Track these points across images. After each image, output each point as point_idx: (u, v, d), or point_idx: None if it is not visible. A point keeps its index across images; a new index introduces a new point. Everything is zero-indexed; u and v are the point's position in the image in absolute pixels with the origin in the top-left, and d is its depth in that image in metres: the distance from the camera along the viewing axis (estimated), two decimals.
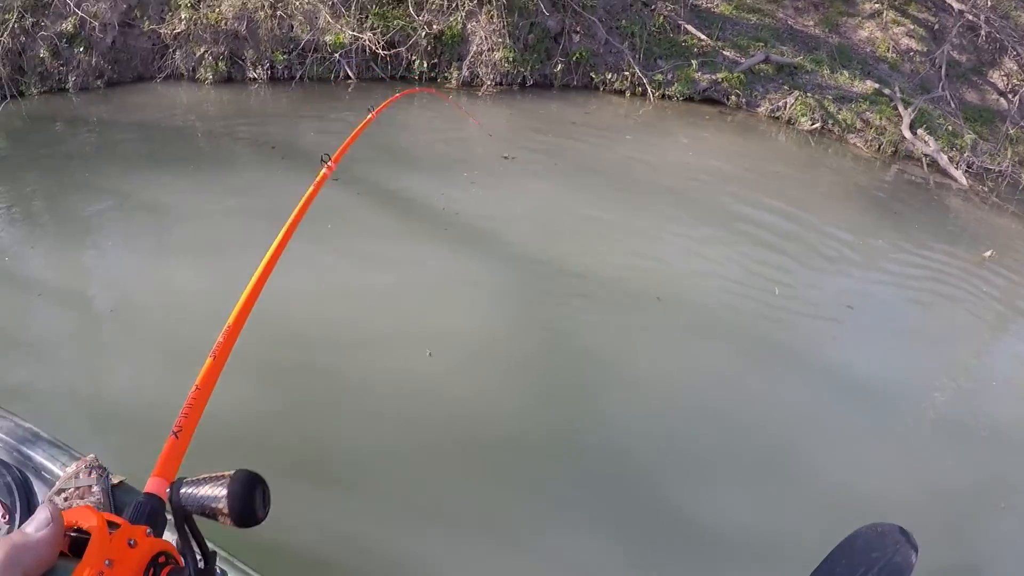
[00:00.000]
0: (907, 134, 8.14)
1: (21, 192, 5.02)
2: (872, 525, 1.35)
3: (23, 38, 6.84)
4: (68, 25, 7.03)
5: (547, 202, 5.55)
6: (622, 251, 4.86)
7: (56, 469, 2.10)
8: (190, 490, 0.93)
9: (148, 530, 0.77)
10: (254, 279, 1.24)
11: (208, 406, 0.92)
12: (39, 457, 2.17)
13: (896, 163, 8.31)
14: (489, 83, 8.06)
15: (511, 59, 8.05)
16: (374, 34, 7.73)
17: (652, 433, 3.18)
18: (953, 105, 8.55)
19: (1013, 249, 6.34)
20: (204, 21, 7.37)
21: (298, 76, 7.67)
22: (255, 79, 7.58)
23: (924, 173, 8.03)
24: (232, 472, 0.96)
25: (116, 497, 1.99)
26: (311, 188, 1.64)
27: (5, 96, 6.65)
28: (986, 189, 7.89)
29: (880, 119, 8.54)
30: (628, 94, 8.51)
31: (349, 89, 7.76)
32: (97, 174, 5.28)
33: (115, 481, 2.05)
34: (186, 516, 0.96)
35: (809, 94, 8.70)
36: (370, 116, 2.31)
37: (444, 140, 6.81)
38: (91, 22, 7.06)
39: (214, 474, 1.01)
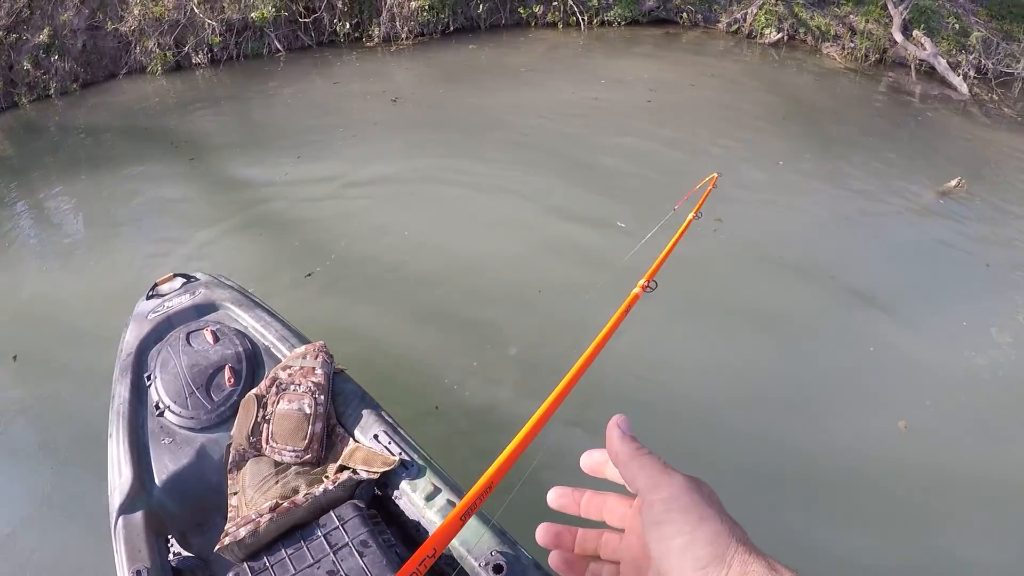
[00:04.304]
0: (898, 36, 6.86)
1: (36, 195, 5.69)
2: None
3: (10, 53, 8.02)
4: (43, 36, 8.08)
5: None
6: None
7: (285, 349, 2.40)
8: None
9: None
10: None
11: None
12: (271, 336, 2.47)
13: (882, 74, 7.04)
14: (404, 35, 7.90)
15: (428, 6, 7.78)
16: (293, 1, 7.88)
17: None
18: None
19: (997, 175, 5.19)
20: (150, 15, 8.04)
21: (234, 56, 8.15)
22: (199, 64, 8.19)
23: (913, 83, 6.74)
24: None
25: (335, 384, 2.26)
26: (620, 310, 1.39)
27: (2, 107, 7.94)
28: (995, 98, 6.45)
29: (866, 23, 7.19)
30: (561, 26, 7.87)
31: (280, 63, 8.10)
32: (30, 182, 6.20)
33: (338, 368, 2.31)
34: None
35: (779, 1, 7.47)
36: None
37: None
38: (62, 29, 8.05)
39: None
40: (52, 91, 8.04)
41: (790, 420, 2.88)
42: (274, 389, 2.16)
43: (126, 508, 1.97)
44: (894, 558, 2.36)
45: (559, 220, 4.29)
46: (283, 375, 2.20)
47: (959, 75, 6.51)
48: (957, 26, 6.99)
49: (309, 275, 3.93)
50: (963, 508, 2.52)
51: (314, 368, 2.21)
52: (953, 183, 4.87)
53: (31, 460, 3.03)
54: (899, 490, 2.59)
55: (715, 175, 2.94)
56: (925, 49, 6.72)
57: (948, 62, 6.62)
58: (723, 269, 3.86)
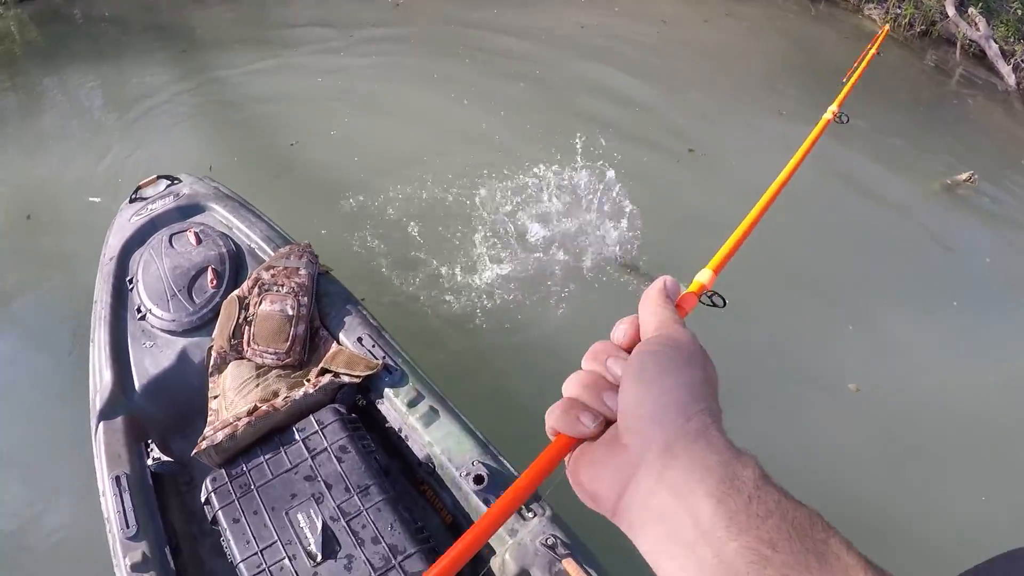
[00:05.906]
0: (951, 11, 6.31)
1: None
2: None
3: None
4: None
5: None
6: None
7: (269, 250, 2.31)
8: None
9: None
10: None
11: None
12: (256, 236, 2.38)
13: (924, 47, 6.54)
14: None
15: None
16: None
17: None
18: None
19: (1016, 177, 4.82)
20: None
21: None
22: None
23: (956, 63, 6.26)
24: None
25: (320, 285, 2.19)
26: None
27: None
28: None
29: None
30: None
31: None
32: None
33: (323, 269, 2.25)
34: None
35: None
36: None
37: None
38: None
39: None
40: None
41: (759, 390, 2.98)
42: (256, 290, 2.09)
43: (106, 413, 1.95)
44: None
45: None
46: (266, 276, 2.13)
47: (1009, 64, 5.98)
48: (1021, 12, 6.35)
49: (294, 144, 4.40)
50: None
51: (298, 268, 2.15)
52: (964, 176, 4.58)
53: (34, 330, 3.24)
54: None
55: (884, 27, 2.98)
56: (978, 30, 6.16)
57: (1001, 48, 6.07)
58: (691, 209, 3.88)
